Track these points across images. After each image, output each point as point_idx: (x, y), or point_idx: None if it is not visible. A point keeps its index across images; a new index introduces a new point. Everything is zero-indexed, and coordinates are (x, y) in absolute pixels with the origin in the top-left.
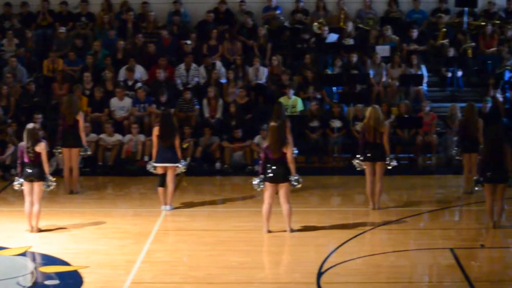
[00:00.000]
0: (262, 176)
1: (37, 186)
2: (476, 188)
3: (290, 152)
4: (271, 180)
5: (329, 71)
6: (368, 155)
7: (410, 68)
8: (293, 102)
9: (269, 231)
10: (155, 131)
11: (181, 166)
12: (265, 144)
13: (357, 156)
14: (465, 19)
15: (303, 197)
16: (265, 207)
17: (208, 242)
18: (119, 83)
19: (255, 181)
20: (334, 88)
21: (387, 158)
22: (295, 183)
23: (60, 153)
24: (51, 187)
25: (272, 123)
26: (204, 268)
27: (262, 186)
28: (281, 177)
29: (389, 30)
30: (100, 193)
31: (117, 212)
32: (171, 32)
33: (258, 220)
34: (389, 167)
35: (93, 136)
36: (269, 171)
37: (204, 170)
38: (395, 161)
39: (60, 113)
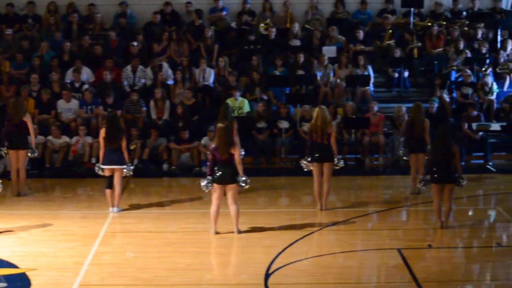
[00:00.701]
0: (209, 177)
1: None
2: (424, 188)
3: (238, 153)
4: (219, 181)
5: (277, 73)
6: (316, 156)
7: (357, 69)
8: (240, 103)
9: (217, 233)
10: (102, 133)
11: (128, 168)
12: (213, 145)
13: (305, 157)
14: (411, 19)
15: (250, 198)
16: (213, 208)
17: (155, 244)
18: (66, 85)
19: (203, 182)
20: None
21: (335, 159)
22: (243, 184)
23: (6, 153)
24: None
25: (220, 125)
26: (152, 270)
27: (210, 187)
28: (229, 178)
29: (336, 31)
30: (48, 195)
31: (64, 214)
32: (118, 34)
33: (205, 221)
34: (337, 168)
35: (40, 138)
36: (217, 172)
37: (152, 172)
38: (343, 162)
39: (6, 115)
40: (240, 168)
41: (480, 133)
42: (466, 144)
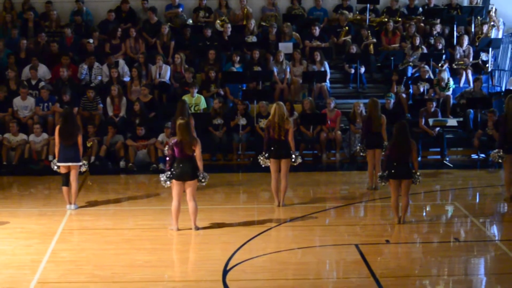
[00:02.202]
0: (169, 172)
1: None
2: (382, 183)
3: (199, 148)
4: (178, 177)
5: (234, 69)
6: (273, 152)
7: (313, 65)
8: (196, 100)
9: (178, 229)
10: (57, 130)
11: (83, 165)
12: (173, 140)
13: (262, 153)
14: (367, 15)
15: (208, 195)
16: (174, 204)
17: (113, 241)
18: (22, 82)
19: (162, 177)
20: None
21: (292, 155)
22: (203, 180)
23: None
24: None
25: (180, 121)
26: (109, 267)
27: (169, 182)
28: (189, 174)
29: (290, 27)
30: (5, 193)
31: (22, 212)
32: (74, 31)
33: (163, 218)
34: (294, 164)
35: None
36: (176, 168)
37: (109, 169)
38: (300, 158)
39: None
40: (200, 165)
41: (437, 129)
42: (423, 140)
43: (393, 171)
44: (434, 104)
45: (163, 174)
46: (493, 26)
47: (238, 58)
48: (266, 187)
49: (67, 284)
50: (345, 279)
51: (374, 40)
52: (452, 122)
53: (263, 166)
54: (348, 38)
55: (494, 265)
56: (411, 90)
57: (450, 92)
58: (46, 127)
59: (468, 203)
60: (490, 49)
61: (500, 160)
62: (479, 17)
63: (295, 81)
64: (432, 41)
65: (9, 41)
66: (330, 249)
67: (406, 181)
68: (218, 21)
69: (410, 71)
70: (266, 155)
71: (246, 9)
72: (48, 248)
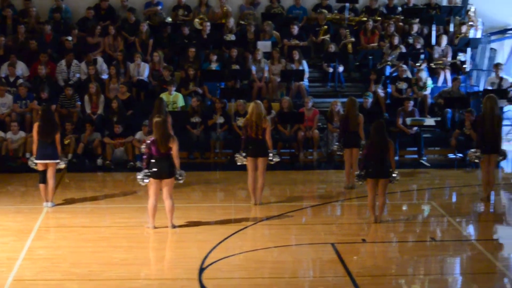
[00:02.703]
0: (146, 171)
1: None
2: (359, 182)
3: (176, 146)
4: (155, 175)
5: (213, 68)
6: (250, 150)
7: (292, 64)
8: (174, 98)
9: (155, 227)
10: (36, 127)
11: (61, 163)
12: (150, 139)
13: (240, 151)
14: (346, 14)
15: (185, 193)
16: (151, 202)
17: (89, 238)
18: (0, 79)
19: (139, 175)
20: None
21: (270, 154)
22: (180, 178)
23: None
24: None
25: (157, 119)
26: (86, 265)
27: (146, 180)
28: (166, 172)
29: (271, 25)
30: None
31: None
32: (53, 28)
33: (140, 216)
34: (272, 163)
35: None
36: (153, 166)
37: (86, 166)
38: (278, 157)
39: None
40: (177, 162)
41: (415, 128)
42: (400, 139)
43: (370, 170)
44: (412, 103)
45: (140, 173)
46: (472, 26)
47: (215, 57)
48: (243, 185)
49: (43, 281)
50: (321, 278)
51: (353, 39)
52: (429, 121)
53: (239, 164)
54: (327, 37)
55: (470, 265)
56: (389, 90)
57: (428, 92)
58: (24, 124)
59: (445, 202)
60: (469, 49)
61: (477, 160)
62: (458, 17)
63: (273, 80)
64: (410, 41)
65: None
66: (307, 248)
67: (383, 180)
68: (197, 20)
69: (388, 70)
70: (244, 153)
71: (225, 8)
72: (24, 246)
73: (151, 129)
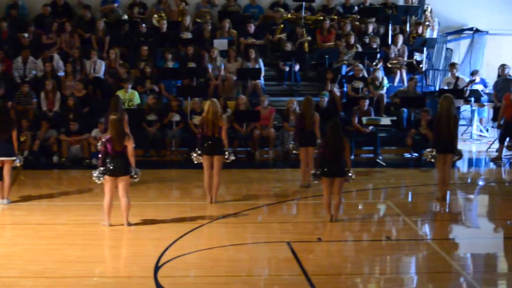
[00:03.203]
0: (101, 168)
1: None
2: (315, 181)
3: (131, 145)
4: (111, 173)
5: (170, 65)
6: (206, 148)
7: (248, 62)
8: (130, 95)
9: (110, 225)
10: None
11: (17, 160)
12: (105, 136)
13: (196, 149)
14: (303, 13)
15: (141, 191)
16: (106, 200)
17: (45, 236)
18: None
19: (95, 173)
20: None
21: (225, 152)
22: (135, 176)
23: None
24: None
25: (112, 116)
26: (41, 262)
27: (101, 178)
28: (121, 170)
29: (227, 24)
30: None
31: None
32: (9, 25)
33: (95, 213)
34: (227, 161)
35: None
36: (109, 164)
37: (42, 164)
38: (233, 155)
39: None
40: (132, 160)
41: (370, 128)
42: (356, 138)
43: (325, 169)
44: (367, 102)
45: (95, 170)
46: (428, 26)
47: (170, 56)
48: (199, 183)
49: None
50: (276, 276)
51: (309, 38)
52: (385, 121)
53: (196, 162)
54: (283, 35)
55: (426, 264)
56: (345, 89)
57: (384, 91)
58: None
59: (401, 202)
60: (425, 48)
61: (432, 160)
62: (414, 17)
63: (229, 78)
64: (367, 40)
65: None
66: (262, 246)
67: (339, 179)
68: (156, 16)
69: (344, 69)
70: (199, 152)
71: (181, 6)
72: None
73: (107, 126)
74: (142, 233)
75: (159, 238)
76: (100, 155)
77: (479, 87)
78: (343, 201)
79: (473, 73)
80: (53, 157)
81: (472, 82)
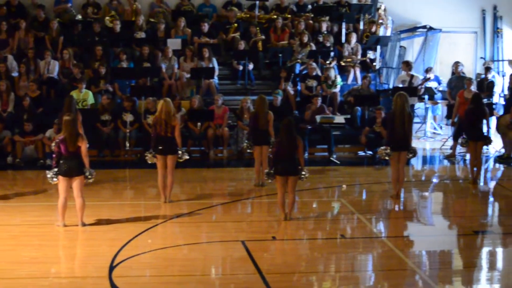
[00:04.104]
0: (55, 169)
1: None
2: (269, 180)
3: (85, 145)
4: (65, 173)
5: (124, 65)
6: (159, 148)
7: (202, 61)
8: (84, 95)
9: (65, 225)
10: None
11: None
12: (59, 137)
13: (150, 149)
14: (256, 12)
15: (95, 191)
16: (60, 200)
17: None
18: None
19: (49, 174)
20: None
21: (179, 152)
22: (89, 177)
23: None
24: None
25: (66, 117)
26: None
27: (55, 179)
28: (75, 170)
29: (182, 23)
30: None
31: None
32: None
33: (50, 214)
34: (181, 160)
35: None
36: (63, 165)
37: None
38: (187, 154)
39: None
40: (86, 161)
41: (318, 119)
42: (309, 137)
43: (279, 167)
44: (320, 100)
45: (49, 171)
46: (382, 24)
47: (125, 56)
48: (153, 183)
49: None
50: (231, 275)
51: (263, 37)
52: (339, 119)
53: (149, 162)
54: (237, 34)
55: (381, 262)
56: (299, 87)
57: (337, 90)
58: None
59: (355, 200)
60: (378, 47)
61: (387, 157)
62: (367, 15)
63: (182, 77)
64: (320, 39)
65: None
66: (217, 245)
67: (293, 177)
68: (108, 17)
69: (298, 68)
70: (152, 151)
71: (135, 5)
72: None
73: (61, 127)
74: (96, 233)
75: (114, 238)
76: (54, 155)
77: (433, 85)
78: (297, 199)
79: (427, 70)
80: (7, 158)
81: (426, 80)
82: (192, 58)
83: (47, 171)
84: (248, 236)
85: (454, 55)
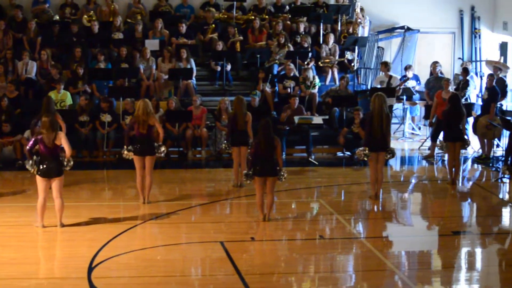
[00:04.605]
0: (31, 161)
1: None
2: (247, 181)
3: (64, 138)
4: (44, 174)
5: (102, 66)
6: (138, 148)
7: (180, 62)
8: (62, 96)
9: (44, 226)
10: None
11: None
12: (38, 136)
13: (128, 148)
14: (234, 13)
15: (73, 192)
16: (39, 201)
17: None
18: None
19: (28, 166)
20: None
21: (156, 146)
22: (66, 164)
23: None
24: None
25: (44, 118)
26: None
27: (35, 167)
28: (54, 171)
29: (160, 24)
30: None
31: None
32: None
33: (29, 215)
34: (159, 154)
35: None
36: (42, 165)
37: None
38: (164, 146)
39: None
40: (67, 147)
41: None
42: (287, 137)
43: (258, 168)
44: (297, 100)
45: (27, 162)
46: (360, 24)
47: (103, 57)
48: (131, 184)
49: None
50: (211, 276)
51: (241, 37)
52: (317, 120)
53: (127, 159)
54: (215, 35)
55: (360, 262)
56: (276, 88)
57: (315, 90)
58: None
59: (334, 200)
60: (356, 47)
61: (365, 158)
62: (345, 16)
63: (160, 78)
64: (298, 39)
65: None
66: (196, 246)
67: (271, 178)
68: (85, 17)
69: (276, 68)
70: (129, 147)
71: (112, 6)
72: None
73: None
74: (75, 234)
75: (93, 239)
76: (27, 147)
77: (412, 83)
78: (276, 200)
79: (406, 68)
80: None
81: (406, 80)
82: (170, 59)
83: (26, 161)
84: (227, 237)
85: (432, 56)
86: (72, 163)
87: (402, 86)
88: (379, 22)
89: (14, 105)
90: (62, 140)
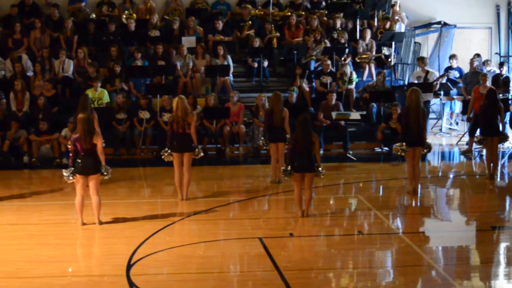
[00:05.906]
0: (72, 168)
1: None
2: (286, 177)
3: (100, 142)
4: (81, 172)
5: (139, 64)
6: (176, 146)
7: (216, 59)
8: (99, 94)
9: (84, 223)
10: None
11: None
12: (74, 135)
13: (165, 147)
14: (270, 9)
15: (111, 189)
16: (77, 199)
17: (16, 236)
18: None
19: (66, 173)
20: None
21: (195, 149)
22: (105, 173)
23: None
24: None
25: (80, 115)
26: (13, 263)
27: (72, 178)
28: (91, 168)
29: (195, 21)
30: None
31: None
32: None
33: (67, 213)
34: (196, 158)
35: None
36: (79, 163)
37: (12, 164)
38: (202, 152)
39: None
40: (102, 158)
41: (342, 122)
42: (325, 133)
43: (295, 164)
44: (335, 96)
45: (66, 170)
46: (397, 20)
47: (139, 55)
48: (169, 181)
49: None
50: (249, 272)
51: (277, 34)
52: (355, 115)
53: (166, 160)
54: (251, 32)
55: (398, 258)
56: (314, 84)
57: (353, 86)
58: None
59: (372, 196)
60: (393, 43)
61: (402, 153)
62: (382, 11)
63: (197, 75)
64: (335, 35)
65: None
66: (234, 242)
67: (309, 174)
68: (124, 15)
69: (313, 65)
70: (168, 149)
71: (149, 3)
72: None
73: (76, 125)
74: (113, 231)
75: (131, 236)
76: (70, 154)
77: (455, 74)
78: (314, 196)
79: (451, 57)
80: (23, 157)
81: (444, 74)
82: (203, 55)
83: (64, 170)
84: (265, 233)
85: (468, 51)
86: (111, 170)
87: (439, 81)
88: (416, 18)
89: (51, 104)
90: (98, 145)
